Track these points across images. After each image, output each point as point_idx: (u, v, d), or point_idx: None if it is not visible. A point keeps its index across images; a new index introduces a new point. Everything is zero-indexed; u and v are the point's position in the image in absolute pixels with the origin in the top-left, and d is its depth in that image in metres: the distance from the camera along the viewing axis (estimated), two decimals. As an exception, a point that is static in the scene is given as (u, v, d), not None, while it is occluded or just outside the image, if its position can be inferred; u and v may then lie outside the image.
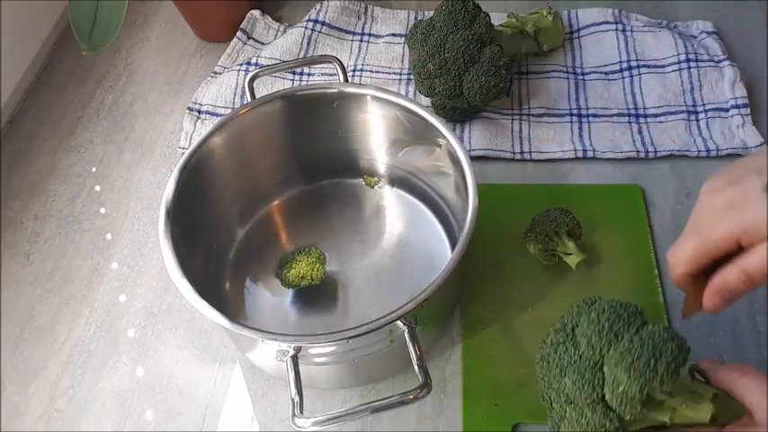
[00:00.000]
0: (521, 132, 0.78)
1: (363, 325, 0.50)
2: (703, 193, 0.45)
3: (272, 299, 0.66)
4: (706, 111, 0.77)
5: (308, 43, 0.87)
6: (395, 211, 0.72)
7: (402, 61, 0.86)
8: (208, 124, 0.81)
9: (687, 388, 0.47)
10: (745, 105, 0.76)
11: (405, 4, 0.93)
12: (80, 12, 0.73)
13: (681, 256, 0.45)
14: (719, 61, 0.80)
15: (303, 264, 0.64)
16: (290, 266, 0.64)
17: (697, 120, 0.77)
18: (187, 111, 0.83)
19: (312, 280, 0.64)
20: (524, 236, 0.66)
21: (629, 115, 0.78)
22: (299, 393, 0.50)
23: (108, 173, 0.79)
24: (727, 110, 0.77)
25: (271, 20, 0.92)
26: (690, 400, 0.46)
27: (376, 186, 0.73)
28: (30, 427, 0.61)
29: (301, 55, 0.86)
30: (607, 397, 0.46)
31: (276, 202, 0.73)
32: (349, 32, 0.90)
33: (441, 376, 0.61)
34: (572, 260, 0.64)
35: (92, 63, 0.91)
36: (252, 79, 0.68)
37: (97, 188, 0.78)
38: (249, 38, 0.91)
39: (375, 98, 0.66)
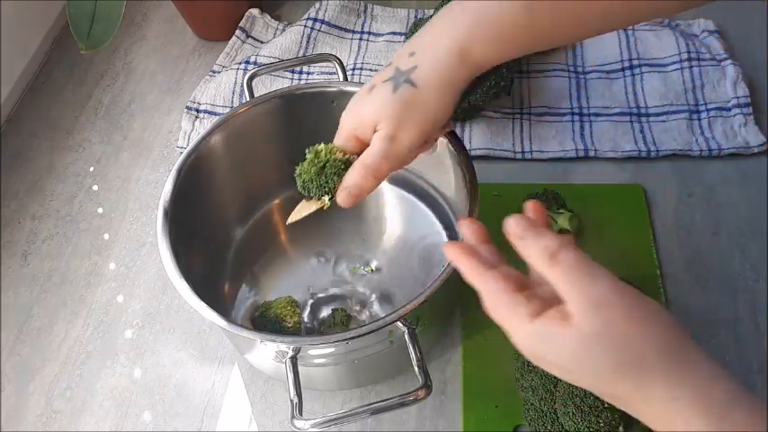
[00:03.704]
0: (522, 132, 0.77)
1: (363, 326, 0.50)
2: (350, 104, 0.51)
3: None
4: (708, 110, 0.77)
5: (308, 42, 0.87)
6: (395, 211, 0.72)
7: (402, 60, 0.85)
8: (206, 123, 0.81)
9: None
10: (747, 104, 0.76)
11: (405, 3, 0.93)
12: (78, 10, 0.73)
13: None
14: (721, 60, 0.80)
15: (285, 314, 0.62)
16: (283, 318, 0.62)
17: (699, 119, 0.76)
18: (185, 110, 0.82)
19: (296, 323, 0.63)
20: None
21: (631, 114, 0.78)
22: (299, 395, 0.49)
23: (106, 172, 0.79)
24: (729, 109, 0.76)
25: (270, 18, 0.92)
26: None
27: None
28: (28, 428, 0.61)
29: (300, 53, 0.86)
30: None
31: (275, 202, 0.72)
32: (348, 31, 0.89)
33: (441, 377, 0.61)
34: (563, 220, 0.66)
35: (90, 62, 0.90)
36: (250, 78, 0.67)
37: (95, 188, 0.78)
38: (248, 36, 0.90)
39: (375, 97, 0.65)
